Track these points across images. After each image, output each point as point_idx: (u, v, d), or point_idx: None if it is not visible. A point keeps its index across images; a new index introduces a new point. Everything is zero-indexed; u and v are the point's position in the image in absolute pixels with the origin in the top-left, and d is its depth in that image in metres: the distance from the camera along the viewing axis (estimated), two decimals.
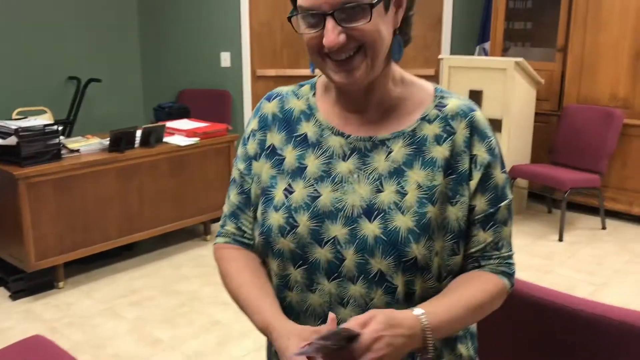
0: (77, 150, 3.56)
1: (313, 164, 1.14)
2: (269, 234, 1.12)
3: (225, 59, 5.71)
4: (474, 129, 1.12)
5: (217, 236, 1.26)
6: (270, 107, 1.23)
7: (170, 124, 4.16)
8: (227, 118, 5.60)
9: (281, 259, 1.12)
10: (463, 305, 1.06)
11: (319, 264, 1.09)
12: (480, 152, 1.11)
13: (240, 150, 1.24)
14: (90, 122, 5.10)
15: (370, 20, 1.00)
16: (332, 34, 0.99)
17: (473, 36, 5.69)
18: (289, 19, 1.06)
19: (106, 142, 3.65)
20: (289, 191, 1.13)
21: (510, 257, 1.16)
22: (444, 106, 1.14)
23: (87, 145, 3.63)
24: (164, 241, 4.16)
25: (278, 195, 1.14)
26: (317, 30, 1.02)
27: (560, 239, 4.31)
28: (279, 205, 1.13)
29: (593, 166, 4.49)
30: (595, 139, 4.52)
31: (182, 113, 4.81)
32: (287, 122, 1.20)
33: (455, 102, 1.15)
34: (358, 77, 1.04)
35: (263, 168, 1.18)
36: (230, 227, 1.23)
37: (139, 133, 3.79)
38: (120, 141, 3.63)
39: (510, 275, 1.15)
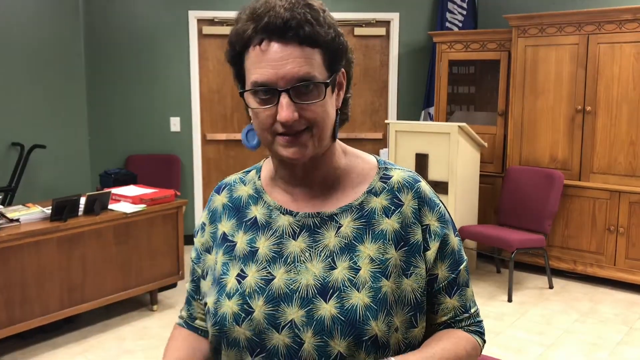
0: (17, 220, 3.44)
1: (264, 245, 1.13)
2: (223, 324, 1.09)
3: (175, 124, 5.70)
4: (421, 200, 1.13)
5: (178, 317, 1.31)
6: (220, 199, 1.24)
7: (116, 190, 4.08)
8: (177, 183, 5.54)
9: (237, 348, 1.08)
10: (438, 357, 1.06)
11: (277, 350, 1.05)
12: (432, 221, 1.13)
13: (194, 240, 1.27)
14: (34, 189, 4.95)
15: (323, 98, 1.03)
16: (287, 110, 1.00)
17: (419, 101, 5.86)
18: (241, 94, 1.07)
19: (48, 210, 3.54)
20: (241, 276, 1.11)
21: (478, 314, 1.20)
22: (389, 178, 1.15)
23: (27, 214, 3.51)
24: (108, 312, 4.00)
25: (231, 282, 1.12)
26: (270, 106, 1.03)
27: (510, 300, 4.35)
28: (232, 292, 1.10)
29: (538, 227, 4.60)
30: (538, 200, 4.65)
31: (129, 179, 4.74)
32: (236, 209, 1.20)
33: (400, 173, 1.16)
34: (307, 153, 1.05)
35: (217, 258, 1.17)
36: (184, 312, 1.28)
37: (83, 201, 3.70)
38: (63, 210, 3.52)
39: (481, 333, 1.19)
